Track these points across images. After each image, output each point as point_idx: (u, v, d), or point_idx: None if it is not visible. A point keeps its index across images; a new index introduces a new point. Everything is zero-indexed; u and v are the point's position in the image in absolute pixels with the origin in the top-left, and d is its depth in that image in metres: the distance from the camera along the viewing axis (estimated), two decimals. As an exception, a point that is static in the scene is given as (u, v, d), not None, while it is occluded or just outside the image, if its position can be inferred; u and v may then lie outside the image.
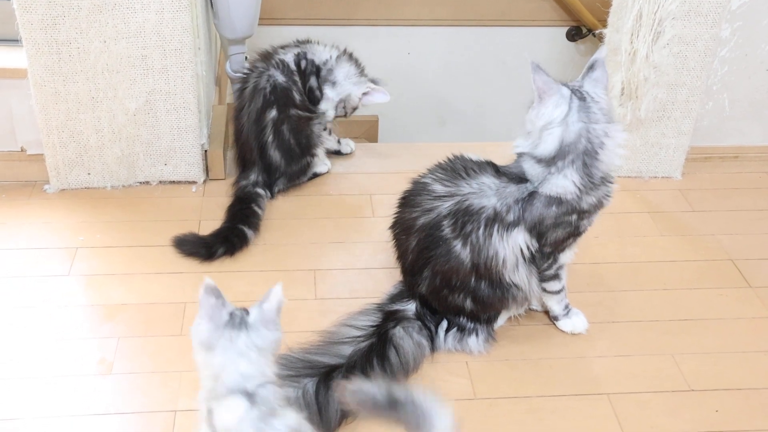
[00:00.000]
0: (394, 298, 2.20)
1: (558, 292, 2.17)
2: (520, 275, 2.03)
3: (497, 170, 2.04)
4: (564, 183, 1.94)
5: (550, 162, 1.94)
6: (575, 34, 3.99)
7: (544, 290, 2.15)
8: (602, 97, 1.95)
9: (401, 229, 2.12)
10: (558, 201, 1.95)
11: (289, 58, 2.67)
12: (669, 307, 2.32)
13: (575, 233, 2.03)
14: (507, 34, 4.05)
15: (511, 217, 1.97)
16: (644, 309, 2.31)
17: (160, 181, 2.73)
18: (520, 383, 2.06)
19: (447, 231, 2.01)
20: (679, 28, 2.56)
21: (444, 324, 2.15)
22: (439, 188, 2.04)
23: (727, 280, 2.43)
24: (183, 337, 2.14)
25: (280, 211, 2.63)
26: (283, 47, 2.70)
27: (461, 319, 2.14)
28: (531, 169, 1.98)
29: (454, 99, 4.27)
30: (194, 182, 2.73)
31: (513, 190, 1.98)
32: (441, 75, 4.23)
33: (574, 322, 2.22)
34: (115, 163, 2.64)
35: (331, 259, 2.44)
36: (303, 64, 2.67)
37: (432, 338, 2.14)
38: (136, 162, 2.66)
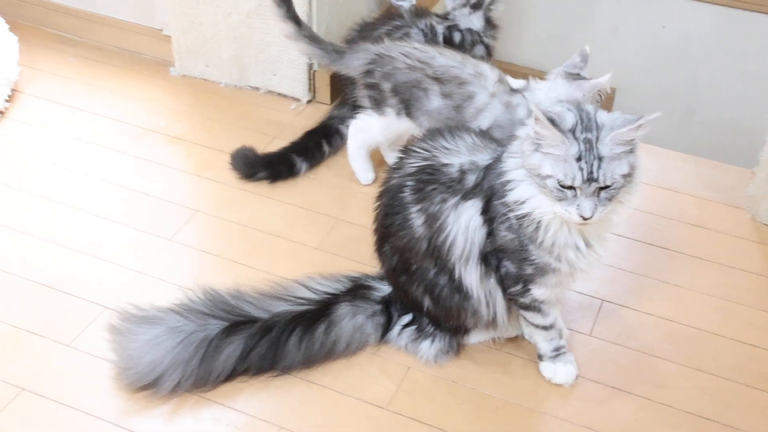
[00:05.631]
0: (381, 276, 1.97)
1: (543, 327, 1.79)
2: (470, 275, 1.70)
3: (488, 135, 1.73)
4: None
5: None
6: None
7: (525, 319, 1.79)
8: None
9: (380, 193, 1.87)
10: None
11: (440, 29, 2.44)
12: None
13: (525, 254, 1.64)
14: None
15: (470, 181, 1.66)
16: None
17: (269, 91, 2.69)
18: (445, 414, 1.75)
19: (407, 193, 1.73)
20: None
21: (406, 318, 1.89)
22: (419, 147, 1.76)
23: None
24: (173, 242, 2.14)
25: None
26: (440, 16, 2.48)
27: (425, 319, 1.87)
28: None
29: (707, 89, 3.64)
30: (297, 100, 2.65)
31: (490, 150, 1.67)
32: (698, 59, 3.62)
33: (557, 369, 1.82)
34: (230, 61, 2.65)
35: (365, 216, 2.25)
36: (457, 36, 2.43)
37: (386, 328, 1.89)
38: (249, 66, 2.65)
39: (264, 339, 1.78)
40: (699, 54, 3.54)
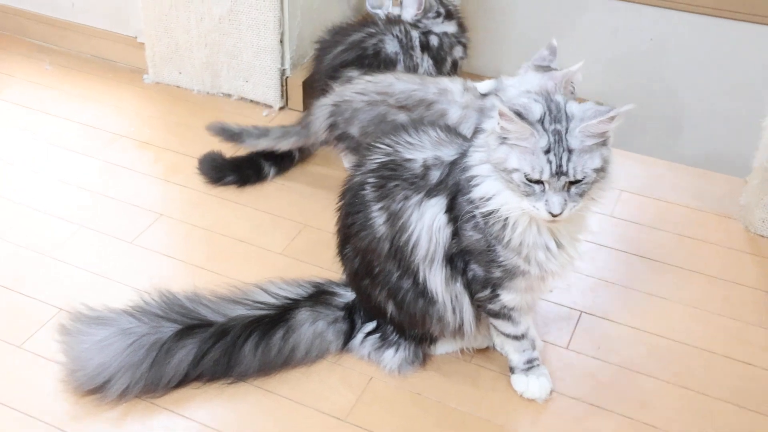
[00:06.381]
0: (346, 282, 1.87)
1: (515, 337, 1.69)
2: (435, 278, 1.61)
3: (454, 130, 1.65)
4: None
5: None
6: None
7: (495, 328, 1.70)
8: None
9: (342, 192, 1.78)
10: None
11: (416, 34, 2.38)
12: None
13: (492, 256, 1.54)
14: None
15: (434, 177, 1.57)
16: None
17: (242, 98, 2.62)
18: (408, 427, 1.64)
19: (368, 191, 1.64)
20: None
21: (370, 326, 1.79)
22: (382, 143, 1.68)
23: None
24: (134, 245, 2.05)
25: (327, 160, 2.38)
26: (412, 24, 2.41)
27: (389, 326, 1.77)
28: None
29: (696, 105, 3.56)
30: (270, 106, 2.58)
31: (455, 145, 1.58)
32: (687, 72, 3.54)
33: (530, 383, 1.71)
34: (202, 67, 2.59)
35: (332, 222, 2.16)
36: (434, 40, 2.37)
37: (348, 336, 1.79)
38: (221, 72, 2.58)
39: (218, 343, 1.68)
40: (686, 68, 3.48)
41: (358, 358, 1.78)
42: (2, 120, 2.49)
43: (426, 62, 2.34)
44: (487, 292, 1.61)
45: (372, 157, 1.66)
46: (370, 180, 1.64)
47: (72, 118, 2.50)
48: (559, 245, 1.53)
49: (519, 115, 1.39)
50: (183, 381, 1.68)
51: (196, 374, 1.69)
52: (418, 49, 2.32)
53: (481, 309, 1.67)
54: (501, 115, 1.40)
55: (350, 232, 1.70)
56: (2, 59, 2.70)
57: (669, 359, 1.82)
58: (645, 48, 3.17)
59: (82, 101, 2.59)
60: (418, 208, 1.58)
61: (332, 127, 2.12)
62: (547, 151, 1.39)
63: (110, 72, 2.74)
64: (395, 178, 1.60)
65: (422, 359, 1.77)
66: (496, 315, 1.66)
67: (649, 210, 2.25)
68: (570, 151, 1.40)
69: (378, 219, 1.62)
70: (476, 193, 1.50)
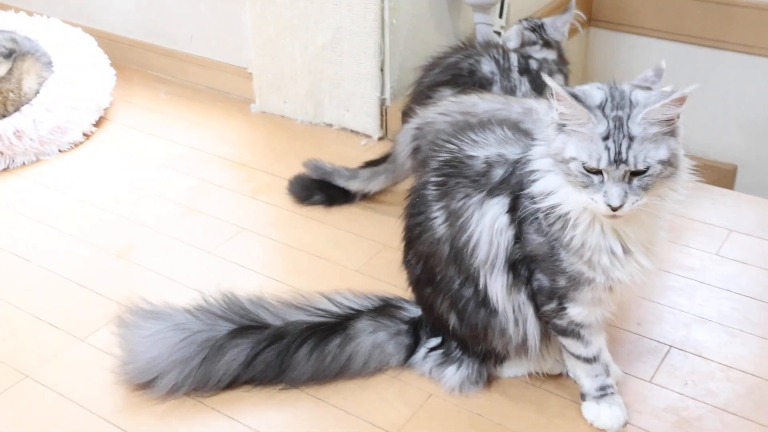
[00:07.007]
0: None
1: (586, 360, 1.55)
2: (496, 285, 1.50)
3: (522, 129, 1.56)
4: None
5: None
6: None
7: (565, 348, 1.56)
8: None
9: (408, 194, 1.70)
10: None
11: (514, 56, 2.33)
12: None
13: (556, 261, 1.42)
14: None
15: (497, 175, 1.48)
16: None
17: (343, 128, 2.62)
18: (460, 447, 1.53)
19: (431, 190, 1.56)
20: None
21: (434, 341, 1.69)
22: (448, 141, 1.60)
23: None
24: (212, 254, 2.06)
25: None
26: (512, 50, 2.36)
27: (453, 342, 1.67)
28: None
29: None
30: (369, 136, 2.56)
31: (521, 144, 1.49)
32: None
33: (601, 411, 1.56)
34: (305, 96, 2.61)
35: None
36: (534, 64, 2.31)
37: (411, 351, 1.70)
38: (323, 101, 2.60)
39: (272, 346, 1.63)
40: None
41: (420, 374, 1.68)
42: (113, 139, 2.60)
43: (524, 86, 2.27)
44: (553, 305, 1.49)
45: (437, 156, 1.59)
46: (433, 178, 1.56)
47: (176, 140, 2.58)
48: (626, 250, 1.40)
49: (575, 97, 1.30)
50: (234, 382, 1.63)
51: (247, 376, 1.63)
52: (515, 71, 2.25)
53: (549, 326, 1.54)
54: (558, 98, 1.31)
55: (413, 235, 1.62)
56: (125, 87, 2.83)
57: (765, 401, 1.62)
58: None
59: (189, 126, 2.67)
60: (480, 207, 1.49)
61: (416, 151, 2.07)
62: (606, 138, 1.29)
63: (220, 101, 2.82)
64: (457, 176, 1.53)
65: (486, 379, 1.65)
66: (564, 332, 1.53)
67: (757, 250, 2.05)
68: (631, 138, 1.28)
69: (438, 219, 1.54)
70: (536, 188, 1.40)
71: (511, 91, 2.25)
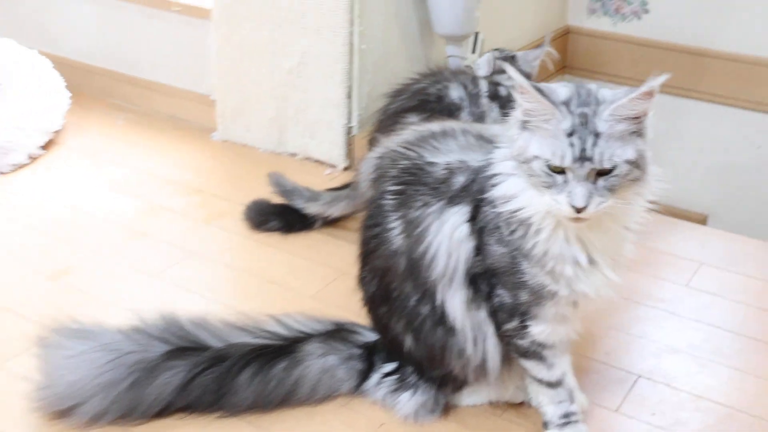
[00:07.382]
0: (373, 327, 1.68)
1: (548, 384, 1.44)
2: (453, 300, 1.40)
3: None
4: None
5: None
6: None
7: (527, 372, 1.45)
8: None
9: (366, 206, 1.61)
10: None
11: (484, 82, 2.26)
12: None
13: (518, 274, 1.32)
14: None
15: (458, 183, 1.39)
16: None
17: (307, 157, 2.52)
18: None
19: (388, 199, 1.46)
20: None
21: (389, 366, 1.57)
22: (408, 149, 1.51)
23: None
24: (158, 279, 1.94)
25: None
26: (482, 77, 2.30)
27: (409, 366, 1.55)
28: None
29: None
30: (333, 166, 2.47)
31: (484, 150, 1.40)
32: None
33: (565, 441, 1.45)
34: (269, 123, 2.52)
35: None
36: (503, 90, 2.24)
37: (364, 377, 1.58)
38: (288, 127, 2.51)
39: (211, 369, 1.50)
40: None
41: (372, 402, 1.56)
42: (60, 164, 2.50)
43: (494, 112, 2.19)
44: (514, 323, 1.39)
45: (397, 164, 1.50)
46: (390, 187, 1.47)
47: (128, 165, 2.48)
48: (591, 261, 1.30)
49: (540, 91, 1.22)
50: (166, 408, 1.50)
51: (181, 402, 1.50)
52: (485, 97, 2.18)
53: (510, 347, 1.43)
54: (521, 91, 1.23)
55: (369, 249, 1.52)
56: (80, 113, 2.72)
57: (735, 430, 1.51)
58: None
59: (144, 153, 2.57)
60: (439, 216, 1.39)
61: (376, 181, 1.98)
62: (571, 134, 1.20)
63: (180, 129, 2.72)
64: (416, 183, 1.43)
65: (443, 408, 1.53)
66: (526, 354, 1.42)
67: (727, 283, 1.97)
68: (597, 135, 1.20)
69: (395, 230, 1.44)
70: (497, 192, 1.31)
71: (480, 117, 2.17)
